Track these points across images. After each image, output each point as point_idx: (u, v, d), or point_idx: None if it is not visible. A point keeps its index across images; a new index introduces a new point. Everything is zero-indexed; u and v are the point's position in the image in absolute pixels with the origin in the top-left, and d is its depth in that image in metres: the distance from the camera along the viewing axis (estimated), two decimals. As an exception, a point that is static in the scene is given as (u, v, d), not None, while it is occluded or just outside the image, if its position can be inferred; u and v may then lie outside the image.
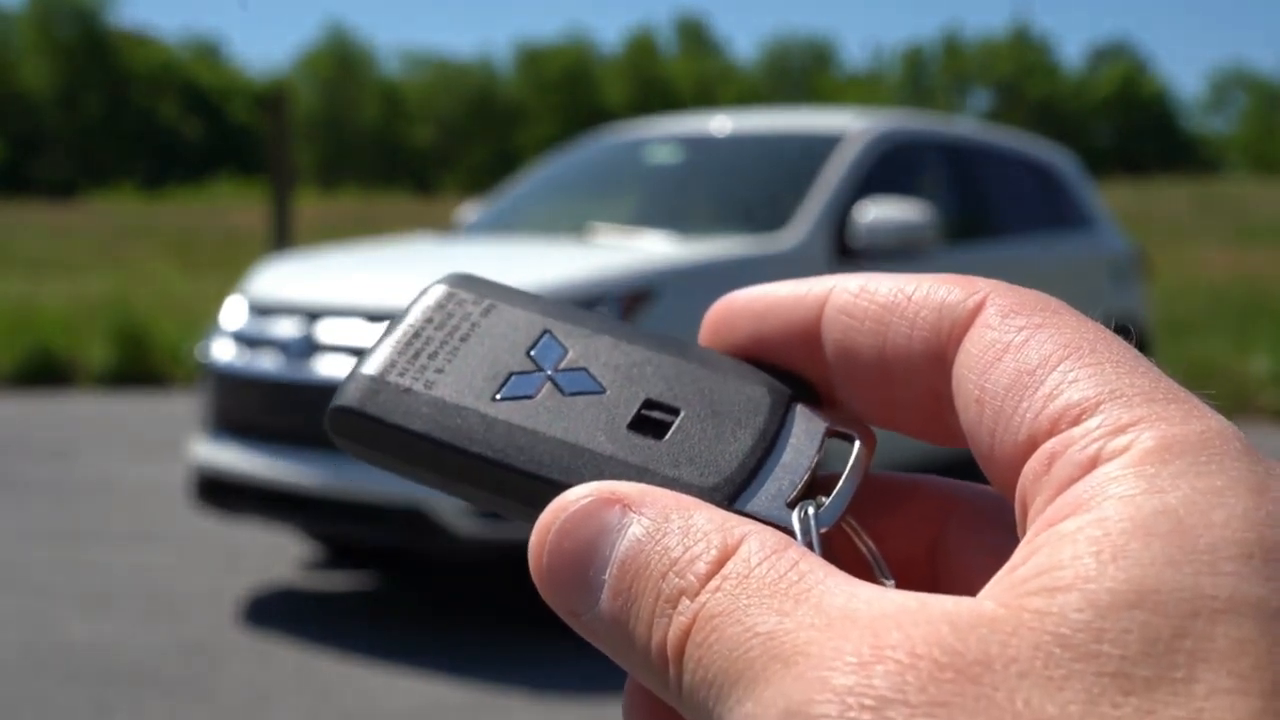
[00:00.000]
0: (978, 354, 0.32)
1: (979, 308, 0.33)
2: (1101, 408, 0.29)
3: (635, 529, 0.31)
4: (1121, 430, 0.29)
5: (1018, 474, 0.31)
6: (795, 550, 0.30)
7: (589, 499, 0.32)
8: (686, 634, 0.29)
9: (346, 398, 0.38)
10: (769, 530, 0.31)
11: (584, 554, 0.32)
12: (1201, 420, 0.29)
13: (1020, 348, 0.32)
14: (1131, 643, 0.25)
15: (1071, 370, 0.31)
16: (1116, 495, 0.27)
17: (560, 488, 0.34)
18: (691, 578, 0.30)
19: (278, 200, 9.95)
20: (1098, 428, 0.29)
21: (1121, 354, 0.31)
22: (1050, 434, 0.30)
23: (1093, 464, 0.28)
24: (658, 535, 0.31)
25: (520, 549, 4.37)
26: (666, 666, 0.30)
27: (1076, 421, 0.29)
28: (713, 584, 0.29)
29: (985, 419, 0.32)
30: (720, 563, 0.30)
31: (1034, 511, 0.29)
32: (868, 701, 0.25)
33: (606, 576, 0.31)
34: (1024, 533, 0.30)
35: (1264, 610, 0.25)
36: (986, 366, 0.32)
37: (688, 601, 0.29)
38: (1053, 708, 0.24)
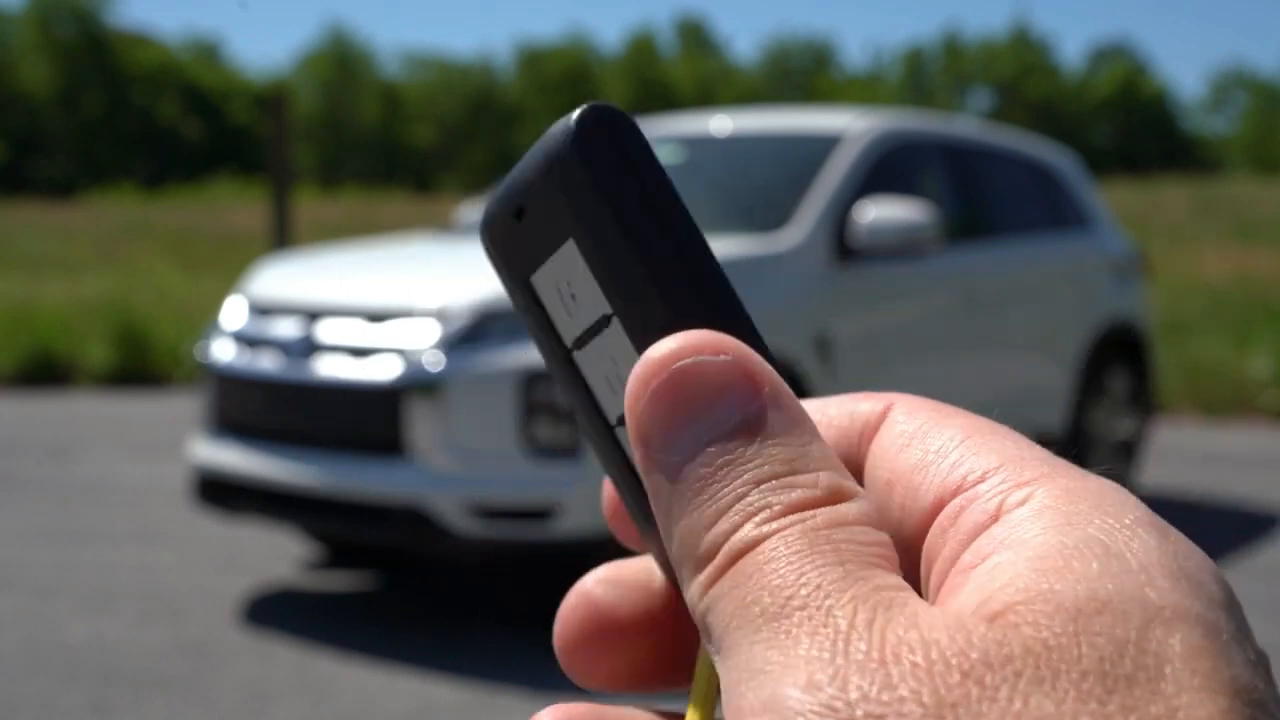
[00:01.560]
0: (887, 444, 0.34)
1: (887, 410, 0.35)
2: (1002, 469, 0.31)
3: (770, 423, 0.31)
4: (1022, 485, 0.30)
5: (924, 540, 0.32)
6: (886, 545, 0.30)
7: (730, 360, 0.32)
8: (753, 546, 0.30)
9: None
10: (874, 506, 0.31)
11: (702, 405, 0.31)
12: (1095, 479, 0.31)
13: (926, 434, 0.33)
14: (1103, 645, 0.26)
15: (973, 446, 0.32)
16: (1038, 529, 0.29)
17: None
18: (786, 498, 0.30)
19: (278, 200, 9.95)
20: (1001, 482, 0.31)
21: (1017, 438, 0.33)
22: (956, 494, 0.31)
23: (998, 513, 0.30)
24: (776, 437, 0.31)
25: (520, 550, 4.38)
26: (705, 563, 0.30)
27: (980, 480, 0.31)
28: (800, 516, 0.30)
29: (895, 497, 0.33)
30: (819, 504, 0.30)
31: (942, 561, 0.31)
32: (884, 696, 0.26)
33: (698, 461, 0.31)
34: (926, 590, 0.31)
35: (1203, 622, 0.27)
36: (895, 453, 0.34)
37: (769, 518, 0.30)
38: (1050, 704, 0.26)
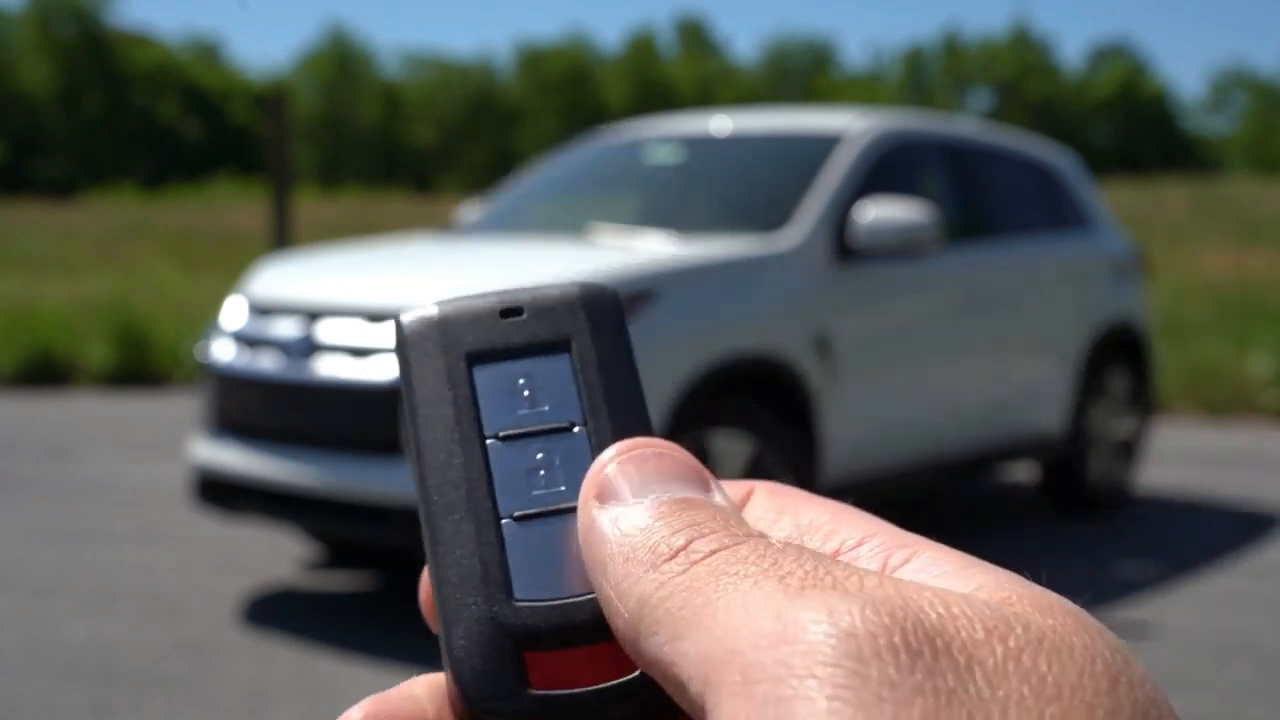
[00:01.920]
0: (758, 519, 0.36)
1: (749, 493, 0.37)
2: (878, 536, 0.33)
3: (717, 498, 0.35)
4: (904, 547, 0.33)
5: None
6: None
7: (690, 459, 0.36)
8: (729, 547, 0.31)
9: None
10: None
11: (669, 474, 0.35)
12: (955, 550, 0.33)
13: (795, 511, 0.36)
14: (1100, 644, 0.28)
15: (844, 520, 0.35)
16: (949, 569, 0.31)
17: None
18: (746, 530, 0.33)
19: (278, 200, 9.95)
20: (880, 545, 0.33)
21: (877, 518, 0.35)
22: (834, 557, 0.33)
23: (883, 570, 0.32)
24: (724, 511, 0.34)
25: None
26: (667, 558, 0.31)
27: (858, 545, 0.33)
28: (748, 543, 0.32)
29: None
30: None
31: None
32: (915, 630, 0.27)
33: (662, 497, 0.34)
34: None
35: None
36: (767, 526, 0.35)
37: (738, 535, 0.32)
38: (1073, 674, 0.27)
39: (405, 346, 0.39)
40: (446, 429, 0.38)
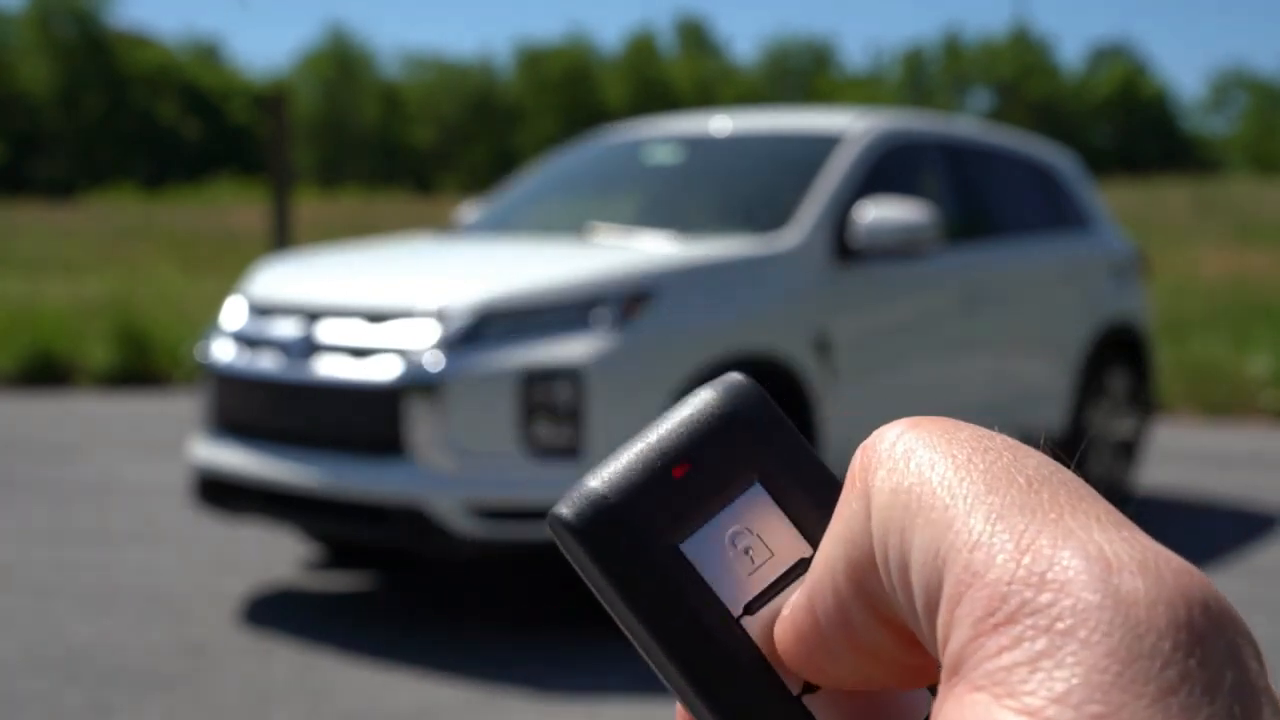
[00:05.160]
0: None
1: None
2: None
3: None
4: None
5: None
6: None
7: None
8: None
9: None
10: None
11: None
12: None
13: None
14: None
15: None
16: None
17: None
18: None
19: (278, 200, 9.94)
20: None
21: None
22: None
23: None
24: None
25: (520, 550, 4.39)
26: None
27: None
28: None
29: None
30: None
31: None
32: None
33: None
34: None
35: None
36: None
37: None
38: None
39: (583, 546, 0.34)
40: (674, 628, 0.34)
